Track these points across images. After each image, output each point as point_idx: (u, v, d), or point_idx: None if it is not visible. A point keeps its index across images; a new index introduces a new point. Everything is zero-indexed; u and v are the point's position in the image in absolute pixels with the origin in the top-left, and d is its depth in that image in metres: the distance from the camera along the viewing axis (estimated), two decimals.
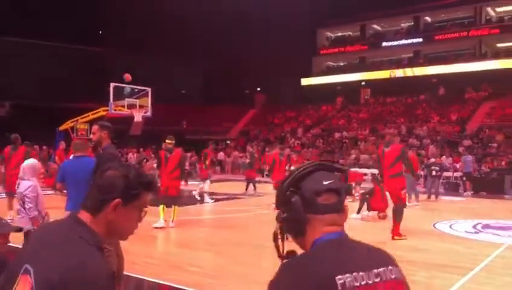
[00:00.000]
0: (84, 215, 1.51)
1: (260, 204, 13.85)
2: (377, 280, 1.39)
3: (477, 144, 24.41)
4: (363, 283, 1.34)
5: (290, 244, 1.48)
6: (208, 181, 13.78)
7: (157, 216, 9.13)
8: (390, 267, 1.44)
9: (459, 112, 28.72)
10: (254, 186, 16.07)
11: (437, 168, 15.56)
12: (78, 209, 4.82)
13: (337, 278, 1.31)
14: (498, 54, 32.96)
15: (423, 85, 32.65)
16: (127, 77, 15.74)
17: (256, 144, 30.75)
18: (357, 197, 13.74)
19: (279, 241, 1.48)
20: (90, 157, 5.48)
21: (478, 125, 26.68)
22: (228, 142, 32.36)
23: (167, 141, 9.72)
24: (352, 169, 16.37)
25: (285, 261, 1.44)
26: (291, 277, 1.36)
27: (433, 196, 15.40)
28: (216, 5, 34.84)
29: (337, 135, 29.89)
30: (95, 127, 4.84)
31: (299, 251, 1.46)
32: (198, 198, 14.08)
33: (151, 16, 35.07)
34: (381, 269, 1.41)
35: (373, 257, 1.45)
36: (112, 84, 17.63)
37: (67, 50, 33.00)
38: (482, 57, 32.77)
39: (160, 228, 9.26)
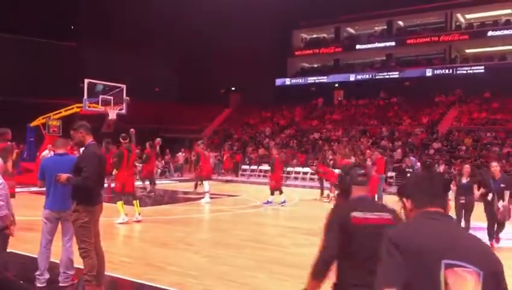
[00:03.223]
0: None
1: (238, 203, 13.89)
2: (374, 216, 2.69)
3: (447, 147, 25.06)
4: (364, 215, 2.67)
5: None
6: (206, 181, 13.82)
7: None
8: (387, 213, 2.72)
9: (430, 115, 29.40)
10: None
11: (411, 170, 15.85)
12: (56, 206, 4.68)
13: (351, 213, 2.68)
14: (467, 60, 33.93)
15: (395, 88, 33.27)
16: (126, 100, 15.93)
17: (231, 143, 30.74)
18: (333, 198, 13.97)
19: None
20: (70, 155, 5.39)
21: (448, 128, 27.38)
22: (201, 141, 32.17)
23: (122, 141, 10.11)
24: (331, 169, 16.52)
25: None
26: (332, 213, 2.80)
27: None
28: (192, 4, 34.63)
29: (310, 136, 30.16)
30: (71, 133, 4.83)
31: None
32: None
33: (126, 12, 34.58)
34: (380, 213, 2.72)
35: (378, 207, 2.82)
36: (86, 81, 17.29)
37: (39, 44, 32.22)
38: (452, 61, 33.65)
39: (125, 223, 9.39)
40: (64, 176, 4.61)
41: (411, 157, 19.40)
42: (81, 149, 5.01)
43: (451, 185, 8.53)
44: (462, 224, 8.27)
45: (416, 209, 1.98)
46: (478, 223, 9.04)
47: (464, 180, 8.47)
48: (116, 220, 9.43)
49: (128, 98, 16.73)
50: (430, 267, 1.72)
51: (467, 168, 8.66)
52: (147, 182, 15.30)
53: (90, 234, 4.67)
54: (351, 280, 2.65)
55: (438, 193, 1.99)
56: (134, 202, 9.79)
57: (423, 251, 1.75)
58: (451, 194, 8.36)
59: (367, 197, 2.86)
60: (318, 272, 2.66)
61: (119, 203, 9.54)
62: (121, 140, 10.17)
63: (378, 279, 1.82)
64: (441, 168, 20.72)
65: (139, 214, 9.72)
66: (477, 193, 8.36)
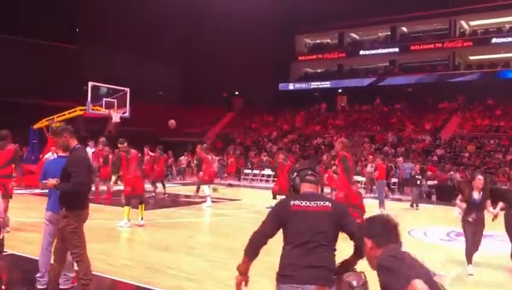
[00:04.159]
0: None
1: (240, 208, 13.88)
2: (313, 204, 2.97)
3: (450, 153, 25.00)
4: (303, 203, 2.97)
5: None
6: (207, 186, 13.87)
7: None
8: (326, 202, 3.01)
9: (433, 121, 29.36)
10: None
11: (420, 177, 15.69)
12: (58, 209, 4.66)
13: (291, 201, 3.01)
14: (470, 66, 33.90)
15: (398, 94, 33.25)
16: (172, 124, 15.86)
17: (234, 147, 30.75)
18: None
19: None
20: None
21: (451, 135, 27.34)
22: (205, 145, 32.17)
23: (120, 145, 10.08)
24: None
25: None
26: (276, 203, 3.29)
27: (414, 205, 15.48)
28: (195, 8, 34.75)
29: (313, 141, 30.15)
30: (54, 138, 4.87)
31: None
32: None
33: (130, 16, 34.69)
34: (319, 201, 3.00)
35: (318, 197, 3.07)
36: (90, 83, 17.35)
37: (43, 47, 32.34)
38: (456, 68, 33.62)
39: (127, 227, 9.39)
40: (51, 182, 4.56)
41: (408, 164, 19.05)
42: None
43: (457, 200, 7.43)
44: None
45: (378, 248, 2.33)
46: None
47: (476, 195, 6.83)
48: (119, 223, 9.45)
49: (173, 121, 16.49)
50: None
51: (479, 180, 6.87)
52: (158, 185, 15.81)
53: (82, 238, 4.66)
54: (291, 260, 2.89)
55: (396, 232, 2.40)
56: (139, 205, 9.69)
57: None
58: (455, 210, 7.67)
59: (314, 193, 3.12)
60: (249, 249, 3.01)
61: (126, 208, 9.50)
62: (119, 145, 10.12)
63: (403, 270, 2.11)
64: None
65: (142, 218, 9.65)
66: (492, 209, 6.94)
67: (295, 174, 3.22)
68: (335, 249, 2.96)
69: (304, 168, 3.23)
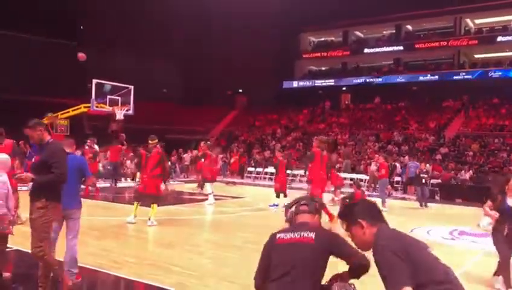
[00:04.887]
0: None
1: (243, 205, 13.91)
2: (296, 235, 2.89)
3: (454, 152, 24.92)
4: (287, 236, 2.90)
5: None
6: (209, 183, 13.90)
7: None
8: (311, 233, 2.87)
9: (437, 120, 29.27)
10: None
11: (425, 175, 15.57)
12: (62, 205, 4.66)
13: (277, 235, 2.96)
14: (475, 65, 33.76)
15: (403, 92, 33.17)
16: (81, 56, 15.68)
17: (237, 145, 30.76)
18: (338, 202, 13.92)
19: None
20: (76, 155, 5.45)
21: (455, 133, 27.24)
22: (209, 142, 32.23)
23: (149, 140, 9.99)
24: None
25: None
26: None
27: (423, 204, 15.22)
28: (199, 6, 34.72)
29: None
30: (28, 131, 4.66)
31: None
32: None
33: (133, 14, 34.71)
34: (304, 232, 2.88)
35: (304, 228, 2.94)
36: (94, 81, 17.42)
37: (47, 44, 32.41)
38: (460, 66, 33.49)
39: (132, 223, 9.42)
40: (27, 177, 4.51)
41: (413, 162, 18.87)
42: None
43: (485, 207, 5.85)
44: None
45: (373, 227, 2.54)
46: None
47: (511, 201, 5.65)
48: (127, 218, 9.60)
49: (83, 54, 16.25)
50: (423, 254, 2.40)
51: None
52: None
53: (49, 234, 4.64)
54: None
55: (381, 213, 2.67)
56: (152, 205, 9.53)
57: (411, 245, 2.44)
58: (483, 220, 6.70)
59: (306, 222, 3.03)
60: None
61: (136, 203, 9.62)
62: (149, 141, 9.95)
63: (391, 282, 2.26)
64: None
65: (150, 219, 9.47)
66: None
67: (291, 207, 3.16)
68: (319, 282, 2.83)
69: (299, 199, 3.19)
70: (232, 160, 25.85)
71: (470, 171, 21.21)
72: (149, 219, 9.46)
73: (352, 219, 2.58)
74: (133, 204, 9.91)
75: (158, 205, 9.76)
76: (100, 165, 17.67)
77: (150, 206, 9.55)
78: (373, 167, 18.79)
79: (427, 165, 18.51)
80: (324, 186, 10.82)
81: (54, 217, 4.64)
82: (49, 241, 4.66)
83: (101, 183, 17.07)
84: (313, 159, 10.36)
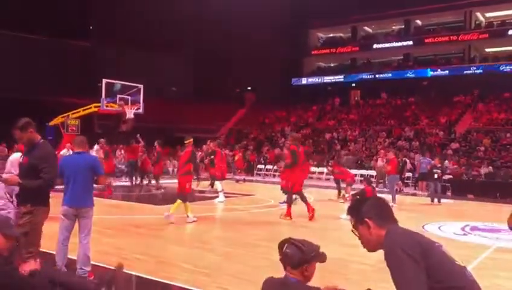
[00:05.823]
0: None
1: (253, 202, 13.92)
2: None
3: (465, 147, 24.71)
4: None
5: None
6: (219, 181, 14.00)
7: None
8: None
9: (448, 115, 29.04)
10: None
11: (439, 171, 15.40)
12: (74, 203, 4.65)
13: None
14: (486, 59, 33.41)
15: (413, 87, 32.96)
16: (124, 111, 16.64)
17: (246, 143, 30.79)
18: (348, 198, 13.89)
19: None
20: (88, 154, 5.48)
21: (466, 128, 27.00)
22: (218, 140, 32.29)
23: (185, 141, 10.49)
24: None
25: None
26: None
27: (436, 200, 15.10)
28: (207, 3, 34.74)
29: (327, 135, 30.04)
30: (17, 133, 4.55)
31: None
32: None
33: (142, 13, 34.84)
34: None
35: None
36: (104, 80, 17.53)
37: (58, 44, 32.66)
38: (471, 61, 33.17)
39: (192, 221, 9.69)
40: (13, 179, 4.46)
41: (425, 159, 18.67)
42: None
43: None
44: None
45: (381, 228, 2.37)
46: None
47: None
48: (188, 219, 9.73)
49: None
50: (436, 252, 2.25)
51: None
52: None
53: (40, 236, 4.62)
54: None
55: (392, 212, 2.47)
56: (184, 204, 9.73)
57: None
58: None
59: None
60: None
61: (178, 202, 9.73)
62: (185, 141, 10.46)
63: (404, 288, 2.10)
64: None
65: (168, 215, 9.59)
66: None
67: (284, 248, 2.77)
68: None
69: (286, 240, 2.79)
70: (236, 157, 25.84)
71: (490, 167, 20.97)
72: (187, 216, 9.71)
73: (359, 217, 2.45)
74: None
75: (184, 202, 9.76)
76: (117, 163, 17.92)
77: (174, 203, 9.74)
78: (380, 163, 18.65)
79: (445, 161, 18.35)
80: (303, 179, 11.28)
81: (42, 221, 4.59)
82: (39, 247, 4.58)
83: (119, 182, 17.29)
84: (297, 156, 10.47)
